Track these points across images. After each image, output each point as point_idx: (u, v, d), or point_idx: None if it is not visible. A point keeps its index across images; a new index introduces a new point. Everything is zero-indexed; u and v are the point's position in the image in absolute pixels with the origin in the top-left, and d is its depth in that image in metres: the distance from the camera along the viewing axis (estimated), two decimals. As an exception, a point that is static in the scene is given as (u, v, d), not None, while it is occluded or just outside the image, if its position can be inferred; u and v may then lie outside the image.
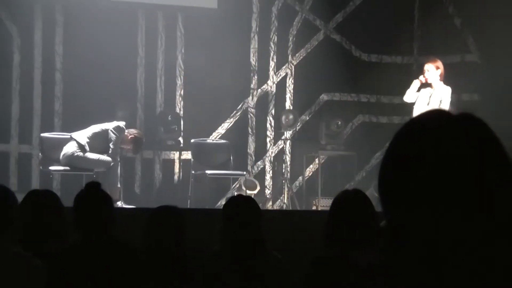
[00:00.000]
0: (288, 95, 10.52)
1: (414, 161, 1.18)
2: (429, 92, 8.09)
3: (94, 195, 3.80)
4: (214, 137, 10.04)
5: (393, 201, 1.20)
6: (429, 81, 8.08)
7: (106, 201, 3.81)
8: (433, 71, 8.08)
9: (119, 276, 3.59)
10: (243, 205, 3.90)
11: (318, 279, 3.38)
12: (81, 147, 8.47)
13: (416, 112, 8.10)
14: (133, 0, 9.73)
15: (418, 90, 8.14)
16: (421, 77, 8.10)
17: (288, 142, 10.36)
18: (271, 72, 10.46)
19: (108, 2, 9.52)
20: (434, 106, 7.96)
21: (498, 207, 1.16)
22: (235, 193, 8.92)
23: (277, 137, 10.35)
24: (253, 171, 10.29)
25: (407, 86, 8.20)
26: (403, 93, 8.24)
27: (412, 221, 1.17)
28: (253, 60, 10.37)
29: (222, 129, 10.19)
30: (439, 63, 8.15)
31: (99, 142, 8.56)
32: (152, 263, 3.66)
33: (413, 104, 8.16)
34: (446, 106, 7.95)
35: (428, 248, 1.16)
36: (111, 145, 8.59)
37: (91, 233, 3.69)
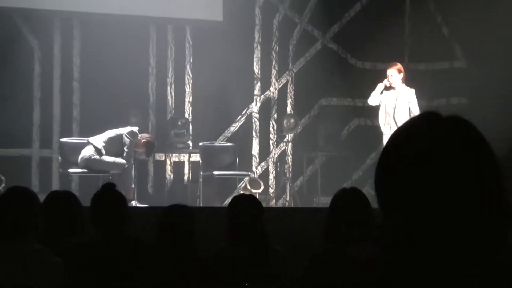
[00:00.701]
0: (289, 101, 10.50)
1: (406, 162, 1.17)
2: (394, 95, 8.03)
3: (110, 195, 3.79)
4: (221, 140, 10.03)
5: (388, 201, 1.19)
6: (393, 85, 8.04)
7: (121, 200, 3.80)
8: (396, 75, 8.01)
9: (132, 271, 3.57)
10: (246, 203, 3.89)
11: (316, 273, 3.36)
12: (97, 150, 8.46)
13: (381, 113, 8.07)
14: (144, 14, 9.72)
15: (381, 93, 8.10)
16: (385, 81, 8.03)
17: (289, 144, 10.34)
18: (273, 79, 10.44)
19: (121, 17, 9.52)
20: (402, 107, 7.92)
21: (488, 205, 1.14)
22: (241, 192, 8.91)
23: (279, 139, 10.33)
24: (257, 172, 10.28)
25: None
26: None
27: (407, 220, 1.16)
28: (256, 68, 10.36)
29: (228, 133, 10.18)
30: (400, 67, 8.10)
31: (114, 146, 8.56)
32: (163, 258, 3.64)
33: (378, 106, 8.12)
34: (415, 106, 7.91)
35: (422, 245, 1.15)
36: (125, 149, 8.59)
37: (107, 231, 3.69)
